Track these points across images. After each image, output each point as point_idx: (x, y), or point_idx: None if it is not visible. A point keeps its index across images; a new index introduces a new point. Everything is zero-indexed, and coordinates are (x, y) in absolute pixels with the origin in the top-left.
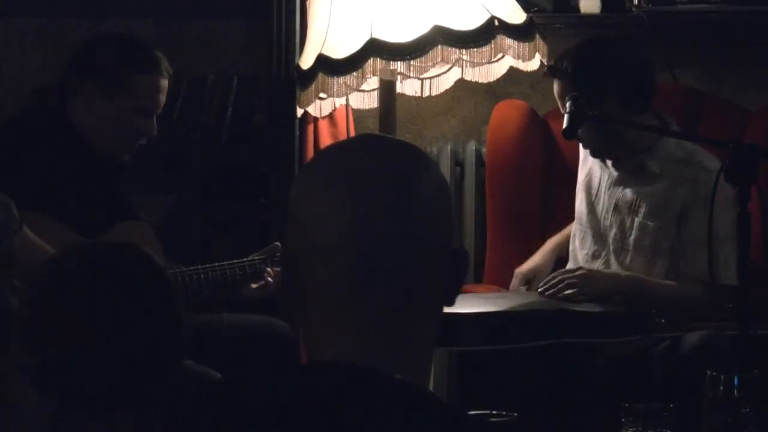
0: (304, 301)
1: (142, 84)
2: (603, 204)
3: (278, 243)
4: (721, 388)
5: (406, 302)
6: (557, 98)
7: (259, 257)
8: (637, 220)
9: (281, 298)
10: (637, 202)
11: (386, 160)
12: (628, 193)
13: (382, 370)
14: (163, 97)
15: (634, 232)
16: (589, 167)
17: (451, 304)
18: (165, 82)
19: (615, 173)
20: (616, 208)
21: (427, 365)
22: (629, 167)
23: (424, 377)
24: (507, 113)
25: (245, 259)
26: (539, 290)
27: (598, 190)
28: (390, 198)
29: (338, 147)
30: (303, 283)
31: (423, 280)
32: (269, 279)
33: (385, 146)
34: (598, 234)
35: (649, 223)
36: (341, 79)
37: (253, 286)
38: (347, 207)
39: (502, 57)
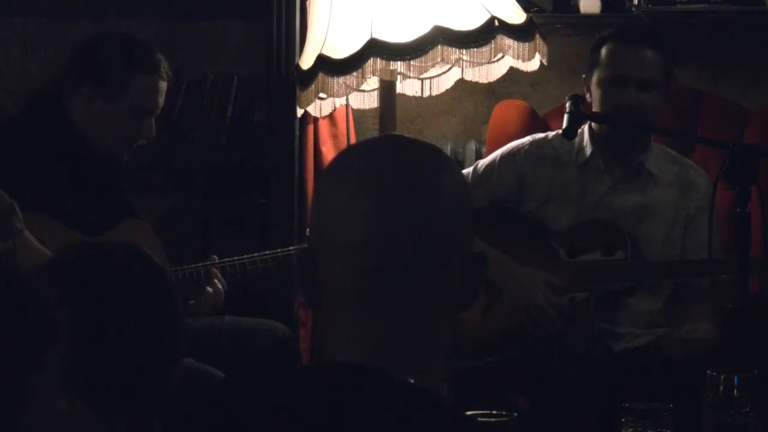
0: (321, 300)
1: (141, 85)
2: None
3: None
4: (721, 388)
5: (420, 305)
6: (641, 70)
7: (283, 251)
8: (644, 227)
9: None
10: (642, 209)
11: (407, 164)
12: (631, 199)
13: (392, 372)
14: (161, 99)
15: (640, 240)
16: (569, 179)
17: (468, 307)
18: (164, 84)
19: (610, 180)
20: (616, 215)
21: (442, 369)
22: (629, 168)
23: (437, 381)
24: (507, 113)
25: (267, 252)
26: None
27: (594, 200)
28: (409, 202)
29: (360, 148)
30: (321, 282)
31: (439, 283)
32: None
33: (407, 149)
34: None
35: (659, 229)
36: (341, 79)
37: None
38: (366, 209)
39: (502, 57)
